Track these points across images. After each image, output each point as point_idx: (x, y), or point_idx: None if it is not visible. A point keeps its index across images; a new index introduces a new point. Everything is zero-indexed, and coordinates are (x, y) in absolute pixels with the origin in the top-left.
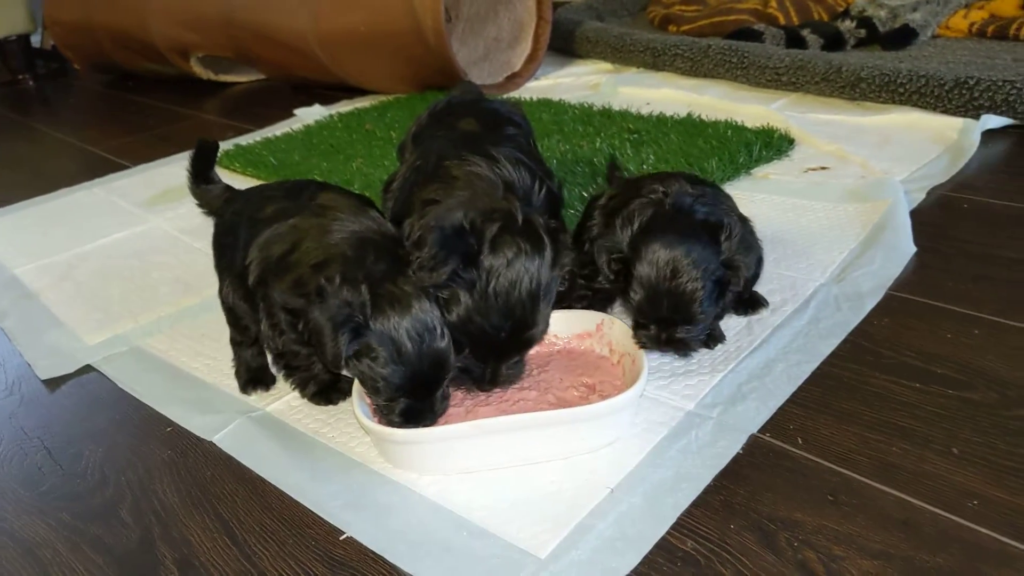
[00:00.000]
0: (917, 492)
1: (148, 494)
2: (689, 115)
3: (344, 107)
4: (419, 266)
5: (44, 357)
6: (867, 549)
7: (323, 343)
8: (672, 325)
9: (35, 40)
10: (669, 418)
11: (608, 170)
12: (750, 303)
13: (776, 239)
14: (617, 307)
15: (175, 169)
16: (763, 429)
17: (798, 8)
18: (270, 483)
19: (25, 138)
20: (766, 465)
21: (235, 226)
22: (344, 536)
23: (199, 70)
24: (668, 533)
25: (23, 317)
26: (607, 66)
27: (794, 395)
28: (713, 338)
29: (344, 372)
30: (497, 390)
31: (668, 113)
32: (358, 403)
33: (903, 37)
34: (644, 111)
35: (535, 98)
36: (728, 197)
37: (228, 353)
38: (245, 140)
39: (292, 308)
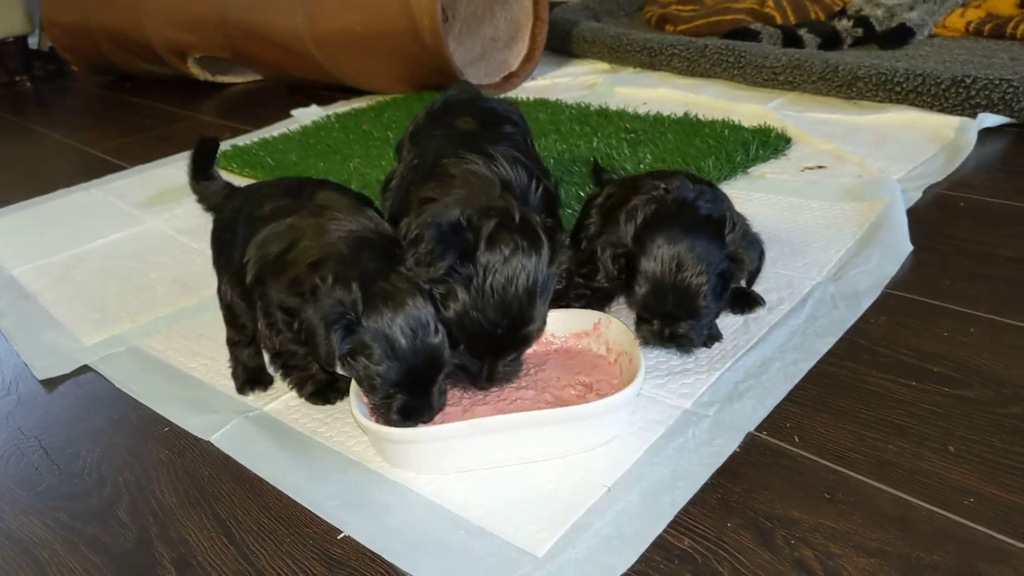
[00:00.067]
0: (913, 490)
1: (146, 494)
2: (686, 114)
3: (341, 107)
4: (416, 262)
5: (42, 357)
6: (864, 547)
7: (316, 342)
8: (676, 320)
9: (32, 42)
10: (666, 417)
11: (593, 172)
12: (747, 302)
13: (773, 238)
14: (615, 306)
15: (172, 170)
16: (760, 427)
17: (795, 7)
18: (268, 482)
19: (23, 139)
20: (763, 463)
21: (233, 223)
22: (342, 535)
23: (196, 71)
24: (665, 531)
25: (21, 317)
26: (604, 66)
27: (791, 393)
28: (710, 337)
29: (339, 370)
30: (494, 389)
31: (665, 113)
32: (355, 402)
33: (900, 36)
34: (641, 111)
35: (532, 98)
36: (725, 196)
37: (225, 353)
38: (242, 141)
39: (288, 307)
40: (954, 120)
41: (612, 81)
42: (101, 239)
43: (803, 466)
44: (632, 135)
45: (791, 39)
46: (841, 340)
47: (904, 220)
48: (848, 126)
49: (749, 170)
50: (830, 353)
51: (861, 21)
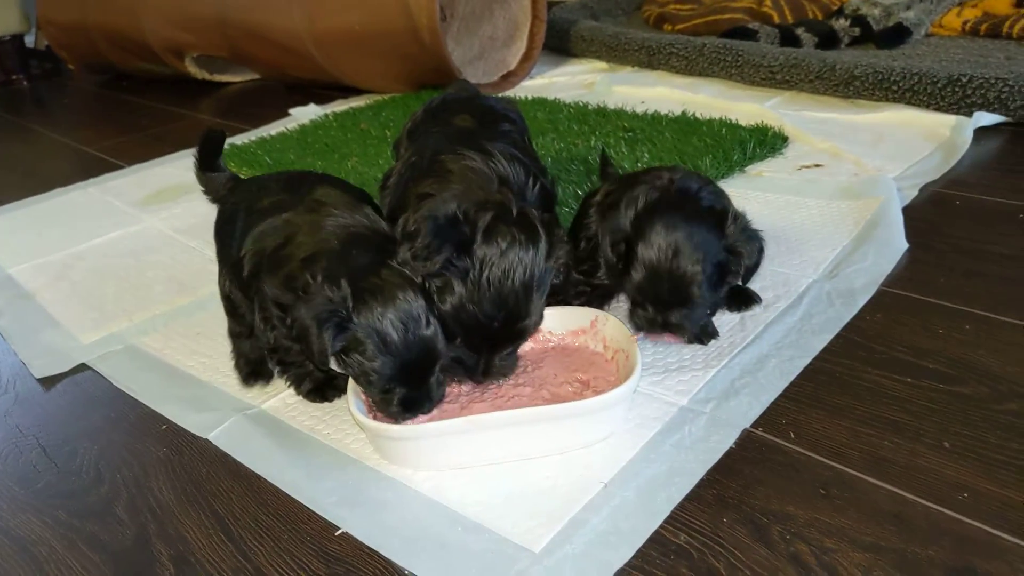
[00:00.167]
0: (908, 485)
1: (144, 491)
2: (684, 113)
3: (339, 106)
4: (413, 256)
5: (39, 356)
6: (859, 542)
7: (309, 340)
8: (669, 307)
9: (29, 40)
10: (663, 413)
11: (600, 163)
12: (743, 299)
13: (769, 236)
14: (614, 304)
15: (170, 169)
16: (756, 424)
17: (792, 7)
18: (265, 480)
19: (19, 138)
20: (759, 459)
21: (234, 216)
22: (339, 532)
23: (194, 70)
24: (661, 527)
25: (18, 316)
26: (602, 65)
27: (787, 390)
28: (706, 334)
29: (333, 367)
30: (492, 386)
31: (663, 111)
32: (353, 400)
33: (897, 35)
34: (639, 109)
35: (530, 97)
36: (724, 193)
37: (223, 351)
38: (240, 140)
39: (282, 303)
40: (950, 119)
41: (610, 80)
42: (98, 238)
43: (799, 462)
44: (630, 134)
45: (789, 38)
46: (837, 337)
47: (900, 218)
48: (845, 125)
49: (746, 169)
50: (826, 350)
51: (858, 20)
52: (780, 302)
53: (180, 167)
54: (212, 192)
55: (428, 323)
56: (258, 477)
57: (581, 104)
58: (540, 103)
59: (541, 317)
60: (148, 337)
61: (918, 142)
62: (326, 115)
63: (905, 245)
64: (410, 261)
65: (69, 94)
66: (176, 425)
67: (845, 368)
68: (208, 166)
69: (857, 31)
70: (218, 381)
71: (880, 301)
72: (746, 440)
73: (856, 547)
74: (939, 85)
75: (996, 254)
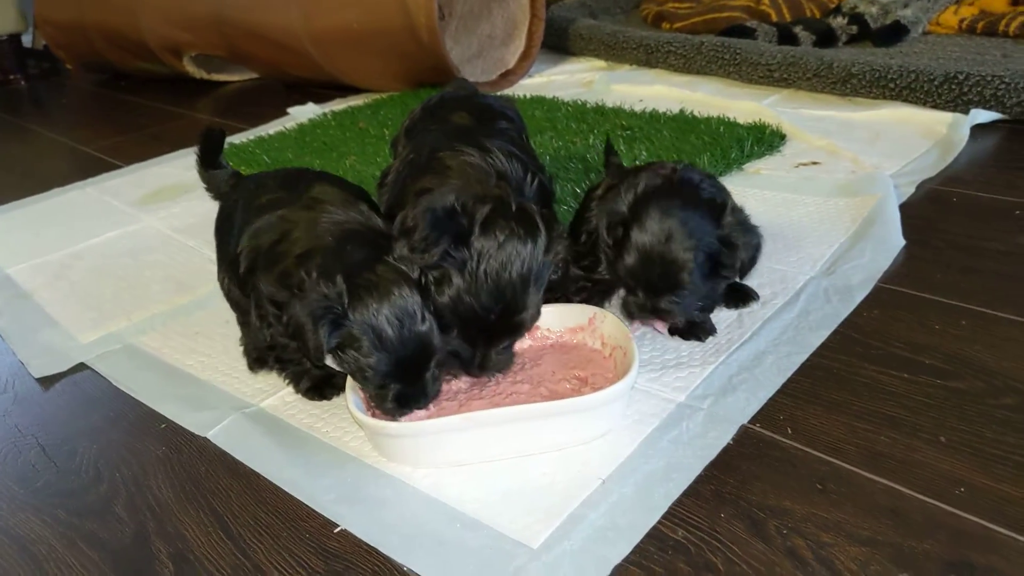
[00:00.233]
0: (905, 480)
1: (143, 490)
2: (682, 111)
3: (337, 105)
4: (411, 248)
5: (38, 355)
6: (855, 536)
7: (304, 337)
8: (659, 293)
9: (26, 40)
10: (660, 410)
11: (605, 153)
12: (741, 296)
13: (767, 233)
14: (615, 300)
15: (167, 168)
16: (753, 420)
17: (790, 5)
18: (264, 478)
19: (17, 138)
20: (756, 455)
21: (233, 212)
22: (338, 529)
23: (192, 69)
24: (659, 522)
25: (16, 316)
26: (600, 63)
27: (784, 386)
28: (704, 331)
29: (329, 364)
30: (491, 383)
31: (661, 110)
32: (352, 397)
33: (894, 33)
34: (637, 108)
35: (529, 95)
36: (726, 189)
37: (221, 349)
38: (238, 139)
39: (277, 301)
40: (947, 116)
41: (608, 78)
42: (96, 238)
43: (796, 457)
44: (628, 132)
45: (786, 36)
46: (834, 333)
47: (897, 215)
48: (842, 122)
49: (744, 166)
50: (823, 346)
51: (856, 18)
52: (778, 299)
53: (178, 166)
54: (214, 189)
55: (423, 319)
56: (257, 475)
57: (579, 102)
58: (538, 101)
59: (538, 312)
60: (147, 336)
61: (915, 139)
62: (324, 114)
63: (902, 242)
64: (408, 255)
65: (67, 94)
66: (175, 424)
67: (842, 364)
68: (210, 163)
69: (855, 29)
70: (217, 380)
71: (877, 297)
72: (743, 436)
73: (853, 541)
74: (936, 83)
75: (992, 250)
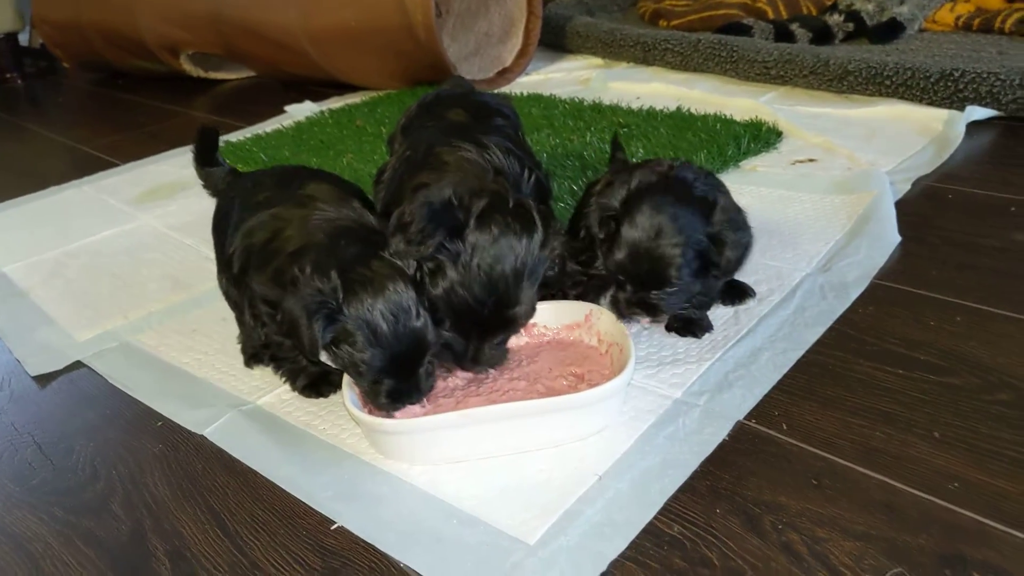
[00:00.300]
0: (899, 475)
1: (139, 487)
2: (679, 109)
3: (334, 103)
4: (407, 241)
5: (34, 354)
6: (850, 531)
7: (299, 332)
8: (647, 288)
9: (23, 38)
10: (656, 406)
11: (612, 148)
12: (737, 293)
13: (763, 230)
14: (610, 296)
15: (164, 167)
16: (749, 416)
17: (786, 2)
18: (261, 475)
19: (14, 137)
20: (751, 451)
21: (229, 211)
22: (335, 526)
23: (189, 67)
24: (655, 518)
25: (13, 315)
26: (597, 61)
27: (779, 382)
28: (700, 327)
29: (324, 359)
30: (487, 380)
31: (658, 107)
32: (348, 394)
33: (890, 31)
34: (634, 105)
35: (526, 93)
36: (724, 187)
37: (218, 347)
38: (235, 137)
39: (270, 300)
40: (943, 113)
41: (605, 76)
42: (93, 236)
43: (791, 453)
44: (625, 129)
45: (783, 34)
46: (829, 330)
47: (892, 212)
48: (838, 120)
49: (741, 163)
50: (819, 343)
51: (852, 16)
52: (774, 295)
53: (175, 165)
54: (212, 187)
55: (418, 315)
56: (254, 472)
57: (576, 100)
58: (535, 99)
59: (533, 307)
60: (143, 334)
61: (911, 136)
62: (322, 112)
63: (898, 238)
64: (404, 248)
65: (64, 92)
66: (171, 421)
67: (838, 360)
68: (206, 161)
69: (851, 26)
70: (213, 378)
71: (872, 294)
72: (739, 432)
73: (847, 536)
74: (932, 80)
75: (988, 247)
